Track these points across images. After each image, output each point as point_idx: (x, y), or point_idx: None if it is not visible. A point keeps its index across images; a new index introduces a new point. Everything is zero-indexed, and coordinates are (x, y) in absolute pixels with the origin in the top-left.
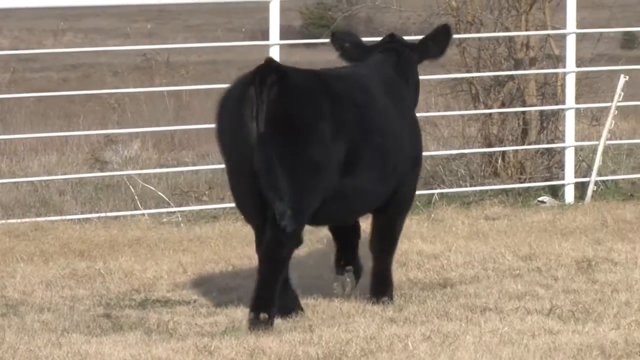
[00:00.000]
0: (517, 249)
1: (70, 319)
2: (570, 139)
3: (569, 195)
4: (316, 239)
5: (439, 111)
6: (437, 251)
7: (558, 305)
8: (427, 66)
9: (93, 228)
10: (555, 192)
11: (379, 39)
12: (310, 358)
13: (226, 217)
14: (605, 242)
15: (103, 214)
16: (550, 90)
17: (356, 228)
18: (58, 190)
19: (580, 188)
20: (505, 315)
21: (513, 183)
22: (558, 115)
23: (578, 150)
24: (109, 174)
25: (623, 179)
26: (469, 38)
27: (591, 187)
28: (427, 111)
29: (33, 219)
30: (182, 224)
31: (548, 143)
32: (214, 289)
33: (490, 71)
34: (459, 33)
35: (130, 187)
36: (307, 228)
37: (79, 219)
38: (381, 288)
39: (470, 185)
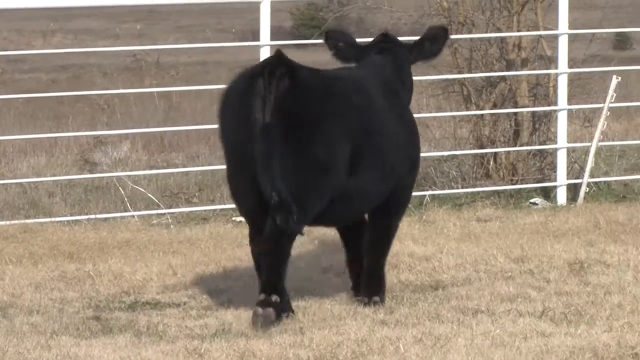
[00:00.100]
0: (509, 251)
1: (60, 322)
2: (562, 141)
3: (561, 196)
4: (307, 241)
5: (430, 112)
6: (429, 253)
7: (550, 308)
8: (418, 67)
9: (82, 230)
10: (548, 193)
11: (371, 39)
12: None
13: (216, 218)
14: (597, 244)
15: (92, 216)
16: (542, 91)
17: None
18: (47, 192)
19: (573, 190)
20: (497, 318)
21: (505, 185)
22: (550, 117)
23: (570, 151)
24: (98, 176)
25: (615, 181)
26: (460, 39)
27: (583, 189)
28: (419, 112)
29: (22, 221)
30: (172, 226)
31: (540, 144)
32: (204, 291)
33: (482, 72)
34: (450, 34)
35: (120, 188)
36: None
37: (68, 221)
38: (373, 287)
39: (462, 187)
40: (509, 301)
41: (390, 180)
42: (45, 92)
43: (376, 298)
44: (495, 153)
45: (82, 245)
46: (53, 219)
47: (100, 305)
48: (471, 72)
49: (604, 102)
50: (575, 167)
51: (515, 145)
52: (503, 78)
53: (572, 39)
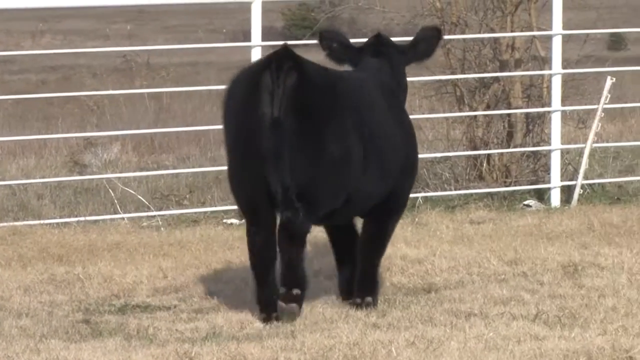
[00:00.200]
0: (503, 254)
1: (49, 325)
2: (556, 142)
3: (555, 198)
4: None
5: (423, 113)
6: (421, 256)
7: (544, 311)
8: (411, 67)
9: (72, 232)
10: (541, 195)
11: (363, 40)
12: None
13: (207, 221)
14: (591, 247)
15: (82, 218)
16: (536, 92)
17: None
18: (36, 194)
19: (567, 191)
20: (490, 321)
21: (498, 186)
22: (544, 118)
23: (564, 153)
24: (88, 178)
25: (610, 183)
26: (453, 39)
27: (577, 191)
28: (412, 113)
29: (11, 223)
30: (162, 228)
31: (534, 146)
32: (195, 294)
33: (475, 73)
34: (443, 34)
35: (110, 190)
36: None
37: (57, 223)
38: (365, 288)
39: (455, 189)
40: (502, 304)
41: (389, 180)
42: (35, 93)
43: (369, 299)
44: (489, 155)
45: (71, 248)
46: (42, 221)
47: (90, 308)
48: (464, 73)
49: (598, 103)
50: (569, 169)
51: (508, 147)
52: (496, 79)
53: (566, 39)
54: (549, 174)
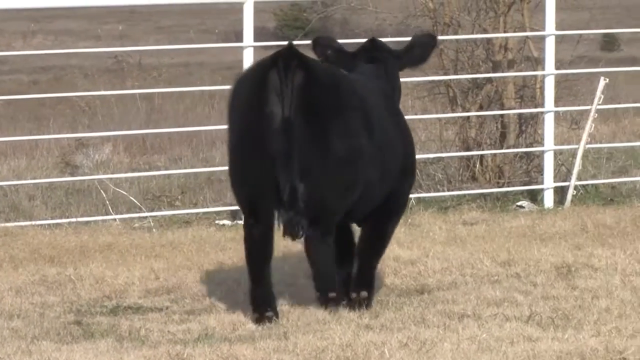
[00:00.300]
0: (496, 255)
1: (40, 326)
2: (549, 143)
3: (548, 199)
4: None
5: (416, 114)
6: (414, 257)
7: (537, 312)
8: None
9: (63, 233)
10: (534, 196)
11: (355, 41)
12: None
13: (199, 222)
14: (585, 248)
15: (74, 219)
16: (529, 93)
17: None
18: (28, 195)
19: (560, 192)
20: (483, 322)
21: (491, 187)
22: (537, 119)
23: (557, 154)
24: (80, 179)
25: (603, 184)
26: (446, 40)
27: (571, 192)
28: (404, 114)
29: (2, 224)
30: (154, 229)
31: (527, 147)
32: (187, 295)
33: (468, 73)
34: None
35: (102, 191)
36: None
37: (49, 224)
38: (362, 283)
39: (448, 190)
40: (496, 305)
41: (389, 181)
42: (26, 93)
43: (364, 293)
44: (482, 155)
45: (63, 249)
46: (34, 223)
47: (82, 309)
48: (457, 74)
49: (592, 104)
50: (563, 170)
51: (501, 148)
52: (489, 79)
53: (559, 40)
54: (542, 174)
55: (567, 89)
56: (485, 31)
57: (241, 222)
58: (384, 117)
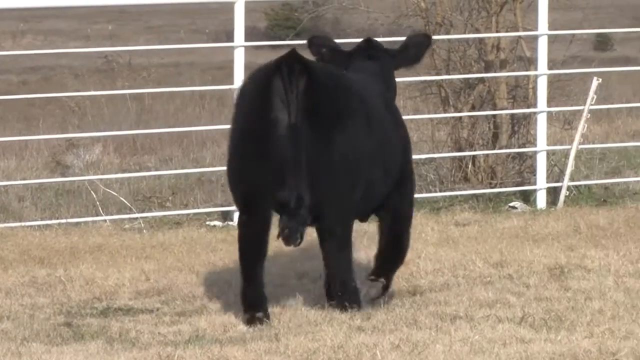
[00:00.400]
0: (488, 256)
1: (30, 328)
2: (542, 143)
3: (541, 200)
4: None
5: (407, 114)
6: (406, 258)
7: (530, 313)
8: None
9: (53, 234)
10: (527, 197)
11: (347, 40)
12: None
13: (190, 223)
14: (578, 249)
15: (64, 220)
16: (522, 93)
17: None
18: (17, 195)
19: (553, 193)
20: (475, 324)
21: (484, 188)
22: (529, 119)
23: (550, 154)
24: (69, 179)
25: (596, 184)
26: (438, 40)
27: (563, 193)
28: None
29: None
30: (144, 230)
31: (519, 147)
32: (178, 296)
33: (460, 73)
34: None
35: (92, 192)
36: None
37: (38, 226)
38: (382, 270)
39: (440, 191)
40: (488, 307)
41: (390, 179)
42: (16, 94)
43: (382, 279)
44: (474, 156)
45: (53, 250)
46: (23, 224)
47: (72, 311)
48: (449, 74)
49: (584, 104)
50: (555, 171)
51: (494, 148)
52: (482, 80)
53: (552, 39)
54: (534, 175)
55: (559, 89)
56: (477, 31)
57: (232, 223)
58: (384, 118)
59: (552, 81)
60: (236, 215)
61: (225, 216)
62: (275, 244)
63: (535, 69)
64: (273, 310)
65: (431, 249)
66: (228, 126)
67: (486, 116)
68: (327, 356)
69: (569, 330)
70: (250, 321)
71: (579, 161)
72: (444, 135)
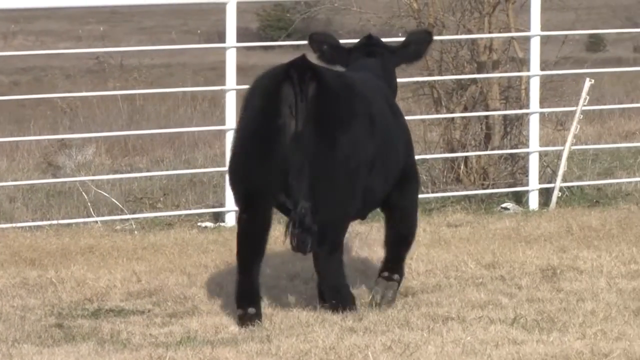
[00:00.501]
0: (480, 257)
1: (21, 329)
2: (534, 144)
3: (533, 201)
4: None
5: None
6: None
7: (522, 315)
8: None
9: (44, 236)
10: (519, 198)
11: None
12: None
13: (181, 224)
14: (570, 250)
15: (55, 222)
16: (514, 94)
17: None
18: (8, 197)
19: (545, 194)
20: (468, 325)
21: (476, 189)
22: (522, 120)
23: (542, 155)
24: (61, 180)
25: (588, 185)
26: None
27: (556, 194)
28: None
29: None
30: (136, 232)
31: (512, 148)
32: (169, 298)
33: (453, 74)
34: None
35: (83, 193)
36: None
37: (30, 227)
38: (395, 268)
39: (432, 192)
40: (480, 308)
41: (390, 182)
42: (6, 94)
43: (396, 276)
44: (466, 157)
45: (44, 252)
46: (14, 225)
47: (63, 312)
48: (441, 75)
49: (577, 105)
50: (548, 172)
51: (486, 149)
52: (474, 81)
53: (545, 40)
54: (527, 176)
55: (552, 90)
56: (469, 32)
57: (224, 224)
58: (389, 122)
59: (545, 82)
60: (228, 217)
61: (217, 217)
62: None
63: (528, 69)
64: (265, 311)
65: (423, 250)
66: (220, 127)
67: (478, 117)
68: (319, 357)
69: (561, 332)
70: (243, 317)
71: (571, 162)
72: (436, 136)
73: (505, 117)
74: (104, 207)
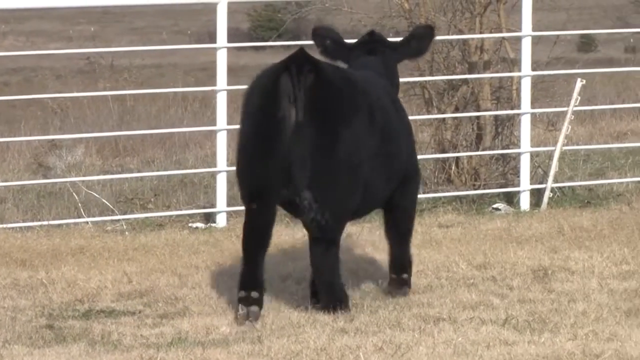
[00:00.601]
0: (472, 258)
1: (12, 330)
2: (525, 145)
3: (525, 202)
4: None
5: None
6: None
7: (513, 315)
8: None
9: (35, 237)
10: (511, 199)
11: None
12: None
13: (172, 225)
14: (561, 251)
15: (45, 222)
16: (505, 94)
17: None
18: None
19: (536, 195)
20: (459, 326)
21: (467, 190)
22: (513, 120)
23: (534, 156)
24: (51, 181)
25: (580, 186)
26: None
27: (547, 194)
28: None
29: None
30: (126, 232)
31: (503, 149)
32: (160, 299)
33: (444, 75)
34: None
35: (74, 194)
36: None
37: (20, 227)
38: (402, 267)
39: (423, 192)
40: (471, 309)
41: (393, 181)
42: None
43: (405, 275)
44: (457, 157)
45: (34, 252)
46: (5, 225)
47: (54, 313)
48: (432, 75)
49: (568, 105)
50: (539, 172)
51: (477, 150)
52: (465, 81)
53: (536, 41)
54: (518, 177)
55: (543, 91)
56: (461, 32)
57: (214, 225)
58: (389, 115)
59: (536, 82)
60: (219, 217)
61: (208, 218)
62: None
63: (519, 70)
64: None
65: (414, 251)
66: (210, 128)
67: (470, 117)
68: (310, 358)
69: (552, 332)
70: (244, 299)
71: (562, 163)
72: (427, 137)
73: (496, 117)
74: (94, 208)
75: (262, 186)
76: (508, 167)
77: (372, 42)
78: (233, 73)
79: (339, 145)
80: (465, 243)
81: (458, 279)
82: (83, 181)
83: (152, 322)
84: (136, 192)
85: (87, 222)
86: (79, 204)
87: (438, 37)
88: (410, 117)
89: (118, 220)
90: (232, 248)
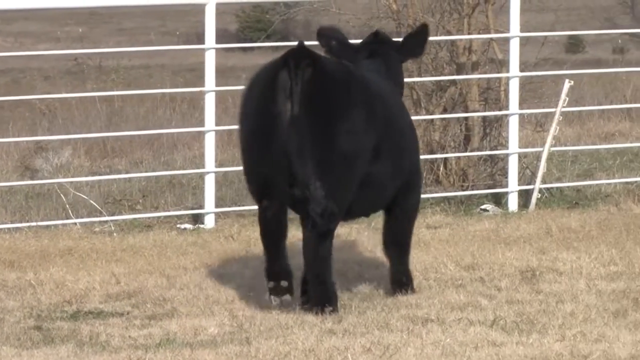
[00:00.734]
0: (460, 259)
1: (0, 332)
2: (513, 146)
3: (513, 203)
4: (255, 249)
5: None
6: (378, 261)
7: (501, 316)
8: None
9: (23, 238)
10: (499, 200)
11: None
12: None
13: (160, 226)
14: (549, 252)
15: (34, 223)
16: (493, 95)
17: None
18: None
19: (524, 196)
20: (447, 327)
21: (455, 191)
22: (501, 121)
23: (522, 157)
24: (39, 182)
25: (568, 187)
26: None
27: (535, 195)
28: None
29: None
30: (114, 234)
31: (491, 150)
32: (148, 300)
33: (432, 76)
34: (399, 36)
35: (62, 195)
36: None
37: (8, 229)
38: (402, 270)
39: None
40: (460, 310)
41: (398, 178)
42: None
43: (404, 279)
44: (446, 158)
45: (23, 254)
46: None
47: (42, 314)
48: (421, 76)
49: (556, 106)
50: (527, 173)
51: (465, 151)
52: (453, 82)
53: (524, 42)
54: (506, 178)
55: (531, 92)
56: (449, 33)
57: (203, 226)
58: (391, 112)
59: (524, 83)
60: (207, 218)
61: (196, 219)
62: (245, 248)
63: (507, 71)
64: (244, 313)
65: None
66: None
67: (458, 118)
68: (298, 359)
69: (540, 333)
70: (275, 290)
71: (550, 163)
72: None
73: (484, 118)
74: (82, 209)
75: (268, 181)
76: (496, 168)
77: (377, 42)
78: (221, 74)
79: (334, 139)
80: (454, 244)
81: (446, 280)
82: (71, 182)
83: (140, 323)
84: (124, 193)
85: (75, 223)
86: (67, 205)
87: None
88: None
89: (106, 222)
90: (220, 249)
